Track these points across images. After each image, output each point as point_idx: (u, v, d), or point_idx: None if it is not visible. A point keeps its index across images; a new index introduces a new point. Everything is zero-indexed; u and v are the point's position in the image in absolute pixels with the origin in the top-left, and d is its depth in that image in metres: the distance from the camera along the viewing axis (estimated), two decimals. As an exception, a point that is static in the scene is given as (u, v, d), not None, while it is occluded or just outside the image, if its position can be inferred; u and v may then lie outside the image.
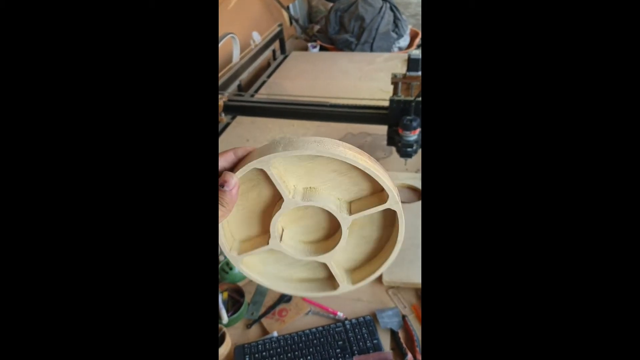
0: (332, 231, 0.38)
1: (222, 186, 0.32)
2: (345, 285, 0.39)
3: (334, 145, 0.32)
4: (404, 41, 2.05)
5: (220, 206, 0.32)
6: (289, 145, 0.32)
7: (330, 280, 0.41)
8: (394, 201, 0.34)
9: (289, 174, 0.34)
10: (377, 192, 0.35)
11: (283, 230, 0.38)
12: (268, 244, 0.37)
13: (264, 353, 0.76)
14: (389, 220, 0.38)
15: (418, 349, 0.74)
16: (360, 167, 0.32)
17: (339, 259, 0.40)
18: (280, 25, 1.91)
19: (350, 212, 0.35)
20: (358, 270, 0.41)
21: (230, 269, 0.90)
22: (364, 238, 0.39)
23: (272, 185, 0.34)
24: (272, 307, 0.84)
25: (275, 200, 0.36)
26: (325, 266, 0.39)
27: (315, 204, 0.34)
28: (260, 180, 0.35)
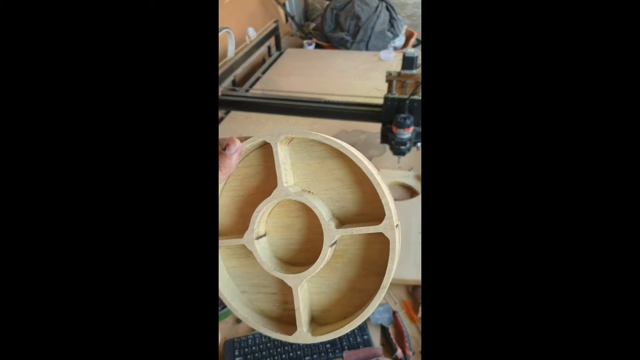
0: (312, 258, 0.33)
1: (224, 150, 0.30)
2: (303, 333, 0.33)
3: (350, 148, 0.31)
4: (399, 41, 2.06)
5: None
6: (307, 134, 0.31)
7: (287, 325, 0.35)
8: (389, 226, 0.30)
9: (294, 169, 0.33)
10: (375, 220, 0.32)
11: (265, 234, 0.35)
12: (243, 237, 0.33)
13: (253, 347, 0.76)
14: (379, 263, 0.33)
15: (408, 345, 0.74)
16: (368, 176, 0.30)
17: (312, 299, 0.35)
18: (276, 21, 1.91)
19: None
20: (324, 317, 0.35)
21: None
22: (345, 278, 0.35)
23: (272, 176, 0.32)
24: (262, 302, 0.84)
25: (270, 193, 0.33)
26: (287, 304, 0.35)
27: (306, 203, 0.32)
28: (261, 170, 0.34)
